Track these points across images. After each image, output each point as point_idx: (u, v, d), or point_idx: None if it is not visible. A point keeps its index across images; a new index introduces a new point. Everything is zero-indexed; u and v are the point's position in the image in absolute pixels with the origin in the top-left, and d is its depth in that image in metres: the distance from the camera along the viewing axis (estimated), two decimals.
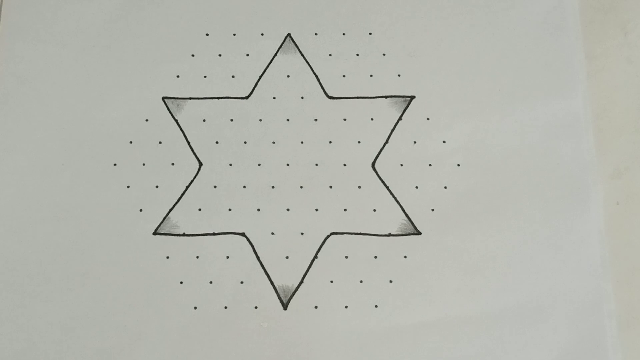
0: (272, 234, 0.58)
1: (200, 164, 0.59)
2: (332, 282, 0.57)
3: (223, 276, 0.57)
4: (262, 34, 0.62)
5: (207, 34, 0.62)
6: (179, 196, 0.59)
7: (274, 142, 0.60)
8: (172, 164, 0.59)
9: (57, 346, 0.55)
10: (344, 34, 0.62)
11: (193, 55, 0.62)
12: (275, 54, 0.62)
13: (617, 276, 0.57)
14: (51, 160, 0.59)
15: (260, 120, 0.60)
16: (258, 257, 0.57)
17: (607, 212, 0.59)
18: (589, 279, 0.57)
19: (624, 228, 0.58)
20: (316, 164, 0.59)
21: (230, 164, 0.59)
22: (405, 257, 0.57)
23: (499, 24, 0.62)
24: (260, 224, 0.58)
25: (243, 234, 0.58)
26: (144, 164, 0.59)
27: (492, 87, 0.61)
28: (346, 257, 0.57)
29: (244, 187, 0.59)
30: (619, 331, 0.56)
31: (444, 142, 0.60)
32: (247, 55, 0.62)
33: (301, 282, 0.57)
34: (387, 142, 0.60)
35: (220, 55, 0.62)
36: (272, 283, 0.57)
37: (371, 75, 0.61)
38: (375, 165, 0.59)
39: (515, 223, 0.58)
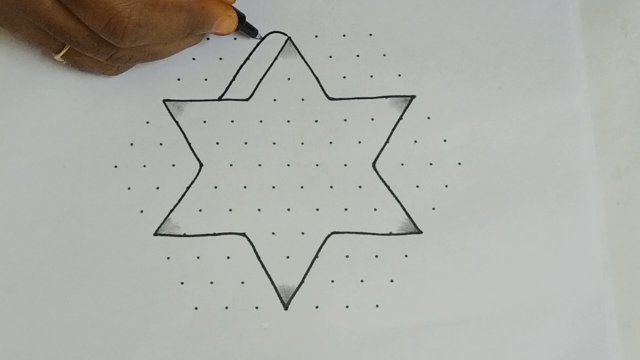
0: (273, 234, 0.58)
1: (201, 165, 0.59)
2: (332, 281, 0.57)
3: (224, 276, 0.57)
4: (262, 37, 0.62)
5: (207, 38, 0.62)
6: (180, 197, 0.59)
7: (274, 143, 0.60)
8: (173, 165, 0.59)
9: (57, 346, 0.55)
10: (344, 36, 0.62)
11: (194, 59, 0.62)
12: (276, 58, 0.62)
13: (617, 276, 0.57)
14: (52, 162, 0.59)
15: (261, 121, 0.60)
16: (259, 257, 0.57)
17: (607, 212, 0.59)
18: (589, 279, 0.57)
19: (624, 228, 0.58)
20: (317, 164, 0.59)
21: (231, 165, 0.59)
22: (406, 256, 0.57)
23: (499, 23, 0.62)
24: (260, 224, 0.58)
25: (244, 234, 0.58)
26: (144, 166, 0.59)
27: (493, 87, 0.61)
28: (347, 256, 0.57)
29: (245, 187, 0.59)
30: (619, 331, 0.56)
31: (444, 141, 0.60)
32: (248, 59, 0.62)
33: (302, 282, 0.57)
34: (387, 141, 0.60)
35: (221, 58, 0.62)
36: (272, 283, 0.57)
37: (371, 76, 0.61)
38: (376, 165, 0.59)
39: (516, 222, 0.58)
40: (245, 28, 0.61)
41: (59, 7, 0.53)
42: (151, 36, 0.55)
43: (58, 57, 0.58)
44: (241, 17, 0.60)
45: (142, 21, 0.53)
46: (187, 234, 0.58)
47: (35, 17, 0.54)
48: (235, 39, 0.62)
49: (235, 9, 0.59)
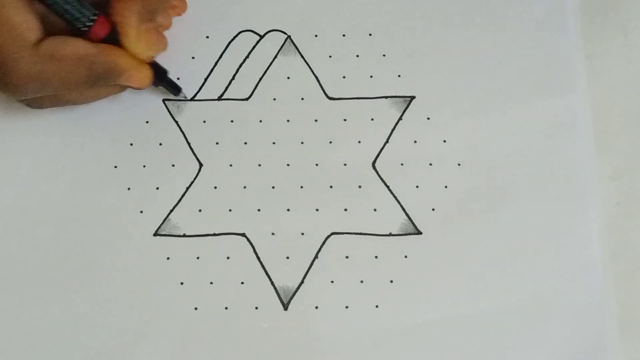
0: (273, 234, 0.58)
1: (201, 165, 0.59)
2: (332, 282, 0.57)
3: (223, 277, 0.57)
4: (261, 36, 0.62)
5: (207, 37, 0.62)
6: (180, 197, 0.59)
7: (274, 143, 0.60)
8: (173, 165, 0.59)
9: (57, 347, 0.55)
10: (343, 35, 0.62)
11: (193, 58, 0.62)
12: (276, 56, 0.62)
13: (617, 276, 0.57)
14: (52, 162, 0.59)
15: (261, 121, 0.60)
16: (258, 258, 0.57)
17: (607, 212, 0.59)
18: (589, 279, 0.57)
19: (624, 228, 0.58)
20: (316, 164, 0.59)
21: (231, 165, 0.59)
22: (405, 257, 0.57)
23: (499, 23, 0.62)
24: (260, 224, 0.58)
25: (243, 235, 0.58)
26: (144, 166, 0.59)
27: (492, 87, 0.61)
28: (347, 257, 0.57)
29: (244, 187, 0.59)
30: (619, 332, 0.56)
31: (444, 141, 0.60)
32: (247, 57, 0.62)
33: (302, 282, 0.57)
34: (387, 142, 0.60)
35: (220, 58, 0.62)
36: (272, 283, 0.57)
37: (371, 76, 0.61)
38: (376, 165, 0.59)
39: (515, 223, 0.58)
40: (166, 85, 0.60)
41: None
42: (46, 89, 0.54)
43: None
44: (161, 73, 0.59)
45: (33, 74, 0.52)
46: (186, 234, 0.58)
47: None
48: (234, 37, 0.62)
49: (156, 64, 0.59)
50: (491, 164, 0.59)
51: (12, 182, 0.58)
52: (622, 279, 0.57)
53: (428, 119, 0.60)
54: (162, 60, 0.60)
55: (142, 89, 0.59)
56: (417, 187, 0.59)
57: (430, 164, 0.59)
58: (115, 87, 0.58)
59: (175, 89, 0.60)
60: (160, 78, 0.59)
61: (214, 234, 0.58)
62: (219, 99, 0.61)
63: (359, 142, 0.60)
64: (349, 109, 0.61)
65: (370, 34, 0.62)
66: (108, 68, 0.55)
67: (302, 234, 0.58)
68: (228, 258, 0.57)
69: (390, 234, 0.58)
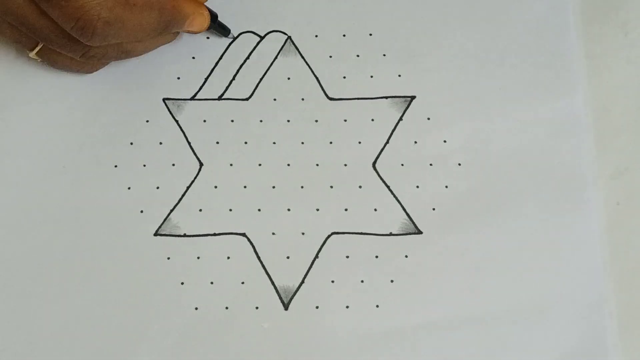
0: (273, 234, 0.58)
1: (201, 165, 0.59)
2: (333, 282, 0.57)
3: (224, 276, 0.57)
4: (262, 37, 0.62)
5: (207, 37, 0.62)
6: (180, 197, 0.59)
7: (274, 143, 0.60)
8: (173, 165, 0.59)
9: (57, 347, 0.55)
10: (344, 35, 0.62)
11: (194, 58, 0.62)
12: (276, 57, 0.62)
13: (617, 276, 0.57)
14: (52, 162, 0.59)
15: (261, 121, 0.60)
16: (259, 258, 0.57)
17: (607, 212, 0.59)
18: (589, 279, 0.57)
19: (624, 228, 0.58)
20: (317, 164, 0.59)
21: (231, 165, 0.59)
22: (406, 256, 0.57)
23: (499, 23, 0.62)
24: (261, 224, 0.58)
25: (244, 234, 0.58)
26: (144, 165, 0.59)
27: (493, 87, 0.61)
28: (347, 257, 0.57)
29: (245, 187, 0.59)
30: (619, 331, 0.56)
31: (444, 141, 0.60)
32: (248, 58, 0.62)
33: (302, 282, 0.57)
34: (387, 142, 0.60)
35: (220, 57, 0.62)
36: (273, 283, 0.57)
37: (371, 76, 0.61)
38: (376, 165, 0.59)
39: (516, 223, 0.58)
40: (217, 27, 0.61)
41: (31, 5, 0.53)
42: (121, 35, 0.55)
43: (32, 54, 0.58)
44: (213, 16, 0.60)
45: (112, 19, 0.53)
46: (187, 234, 0.58)
47: (7, 15, 0.54)
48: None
49: (207, 8, 0.59)
50: (491, 164, 0.59)
51: (12, 182, 0.58)
52: (622, 279, 0.57)
53: (428, 119, 0.60)
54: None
55: (199, 33, 0.60)
56: (417, 187, 0.59)
57: (431, 164, 0.59)
58: (170, 35, 0.60)
59: (225, 30, 0.62)
60: (213, 21, 0.60)
61: (214, 234, 0.58)
62: (220, 98, 0.61)
63: (359, 142, 0.60)
64: (349, 109, 0.61)
65: (370, 34, 0.62)
66: (176, 13, 0.57)
67: (303, 233, 0.58)
68: (228, 258, 0.57)
69: (390, 234, 0.58)
